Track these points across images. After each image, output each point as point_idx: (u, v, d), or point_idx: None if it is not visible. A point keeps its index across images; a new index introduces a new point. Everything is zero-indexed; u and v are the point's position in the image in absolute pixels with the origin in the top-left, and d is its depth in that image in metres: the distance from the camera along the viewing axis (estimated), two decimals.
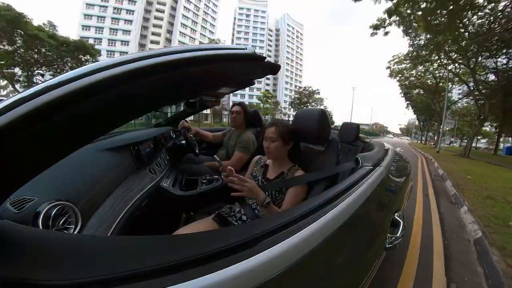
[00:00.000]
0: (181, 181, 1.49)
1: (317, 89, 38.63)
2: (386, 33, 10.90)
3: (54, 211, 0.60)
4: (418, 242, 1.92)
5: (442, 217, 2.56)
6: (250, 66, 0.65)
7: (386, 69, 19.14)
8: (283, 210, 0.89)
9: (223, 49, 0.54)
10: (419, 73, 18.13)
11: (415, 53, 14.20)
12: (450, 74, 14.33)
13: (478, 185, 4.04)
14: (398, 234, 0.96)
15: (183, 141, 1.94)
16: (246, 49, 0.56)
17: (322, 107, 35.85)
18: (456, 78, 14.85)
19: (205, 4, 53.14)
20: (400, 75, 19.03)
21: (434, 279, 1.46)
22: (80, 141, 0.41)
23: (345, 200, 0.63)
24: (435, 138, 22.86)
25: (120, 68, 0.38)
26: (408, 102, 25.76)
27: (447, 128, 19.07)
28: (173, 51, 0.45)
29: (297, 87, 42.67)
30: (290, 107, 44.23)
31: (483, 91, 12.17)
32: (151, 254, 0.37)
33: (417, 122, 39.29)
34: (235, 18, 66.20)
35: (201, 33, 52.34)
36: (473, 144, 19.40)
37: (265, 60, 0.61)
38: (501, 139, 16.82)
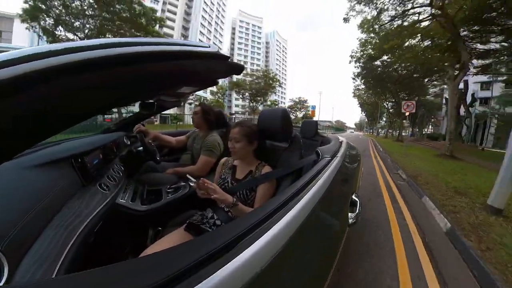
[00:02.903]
0: (142, 193, 1.27)
1: (306, 99, 53.28)
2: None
3: None
4: (373, 157, 7.86)
5: (379, 154, 9.30)
6: (213, 65, 0.63)
7: (353, 96, 34.63)
8: (256, 207, 0.91)
9: (185, 45, 0.51)
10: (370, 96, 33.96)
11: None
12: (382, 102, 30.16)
13: (391, 147, 13.63)
14: (357, 211, 1.10)
15: (140, 148, 1.57)
16: (210, 47, 0.54)
17: (308, 111, 51.16)
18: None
19: (216, 15, 61.38)
20: (358, 96, 34.81)
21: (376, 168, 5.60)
22: None
23: (311, 189, 0.68)
24: (377, 131, 45.11)
25: (50, 60, 0.30)
26: (361, 108, 45.99)
27: (380, 126, 37.03)
28: (125, 43, 0.40)
29: (292, 98, 56.26)
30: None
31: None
32: (113, 287, 0.30)
33: (366, 120, 63.01)
34: (233, 28, 75.95)
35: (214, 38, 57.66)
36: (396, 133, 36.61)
37: (229, 60, 0.59)
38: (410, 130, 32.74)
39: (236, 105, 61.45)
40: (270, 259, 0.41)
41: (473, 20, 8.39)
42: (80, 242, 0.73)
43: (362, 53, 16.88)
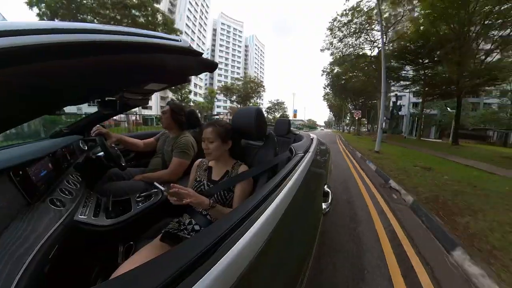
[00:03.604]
0: (106, 206, 1.08)
1: (284, 101, 59.83)
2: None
3: None
4: (339, 144, 12.44)
5: (342, 142, 14.78)
6: (184, 61, 0.60)
7: (323, 99, 41.73)
8: (235, 207, 0.90)
9: (152, 36, 0.46)
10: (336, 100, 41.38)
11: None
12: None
13: (351, 139, 19.06)
14: (329, 201, 1.20)
15: (101, 153, 1.35)
16: (181, 41, 0.51)
17: (285, 112, 57.73)
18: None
19: (200, 16, 62.83)
20: (327, 99, 42.13)
21: (340, 149, 10.07)
22: None
23: (287, 185, 0.71)
24: (343, 127, 52.90)
25: None
26: (329, 109, 54.86)
27: (345, 124, 45.40)
28: (82, 29, 0.34)
29: (271, 100, 62.26)
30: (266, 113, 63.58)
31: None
32: None
33: (334, 119, 73.99)
34: (214, 30, 78.13)
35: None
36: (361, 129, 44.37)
37: (202, 56, 0.57)
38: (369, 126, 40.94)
39: (218, 106, 64.47)
40: (253, 257, 0.41)
41: (397, 58, 14.76)
42: (32, 274, 0.57)
43: (330, 70, 22.93)
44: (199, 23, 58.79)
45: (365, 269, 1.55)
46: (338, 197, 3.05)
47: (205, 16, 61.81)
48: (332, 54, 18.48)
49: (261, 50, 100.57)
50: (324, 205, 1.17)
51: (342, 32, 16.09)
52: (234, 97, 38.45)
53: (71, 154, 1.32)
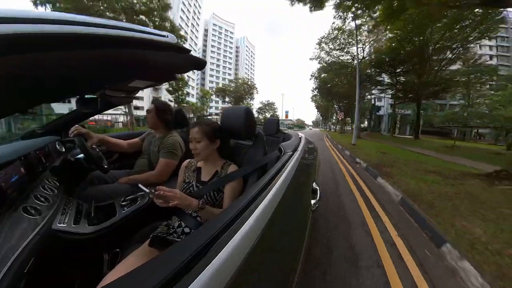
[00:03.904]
0: (88, 212, 1.01)
1: (274, 102, 62.40)
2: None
3: None
4: (326, 141, 14.54)
5: (328, 138, 17.07)
6: (172, 58, 0.57)
7: (311, 101, 44.65)
8: (225, 207, 0.89)
9: (138, 31, 0.43)
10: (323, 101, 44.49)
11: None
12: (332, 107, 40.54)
13: (336, 136, 20.64)
14: (318, 198, 1.22)
15: (81, 155, 1.24)
16: (168, 37, 0.49)
17: (275, 112, 60.42)
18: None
19: (192, 17, 63.45)
20: (315, 101, 45.15)
21: (327, 144, 11.52)
22: None
23: (277, 183, 0.71)
24: (330, 127, 56.60)
25: None
26: (317, 110, 58.47)
27: (331, 123, 48.66)
28: (57, 19, 0.32)
29: (262, 101, 64.47)
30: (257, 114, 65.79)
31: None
32: None
33: (321, 118, 79.13)
34: (206, 30, 79.02)
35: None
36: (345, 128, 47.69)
37: (190, 54, 0.54)
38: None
39: (210, 107, 65.92)
40: (246, 256, 0.41)
41: (374, 67, 17.63)
42: None
43: (318, 75, 25.65)
44: (192, 23, 59.61)
45: (339, 183, 3.86)
46: (325, 166, 5.33)
47: (197, 17, 62.55)
48: (319, 62, 21.14)
49: (251, 52, 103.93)
50: (312, 202, 1.20)
51: (328, 46, 18.75)
52: (228, 98, 40.29)
53: (46, 156, 1.21)
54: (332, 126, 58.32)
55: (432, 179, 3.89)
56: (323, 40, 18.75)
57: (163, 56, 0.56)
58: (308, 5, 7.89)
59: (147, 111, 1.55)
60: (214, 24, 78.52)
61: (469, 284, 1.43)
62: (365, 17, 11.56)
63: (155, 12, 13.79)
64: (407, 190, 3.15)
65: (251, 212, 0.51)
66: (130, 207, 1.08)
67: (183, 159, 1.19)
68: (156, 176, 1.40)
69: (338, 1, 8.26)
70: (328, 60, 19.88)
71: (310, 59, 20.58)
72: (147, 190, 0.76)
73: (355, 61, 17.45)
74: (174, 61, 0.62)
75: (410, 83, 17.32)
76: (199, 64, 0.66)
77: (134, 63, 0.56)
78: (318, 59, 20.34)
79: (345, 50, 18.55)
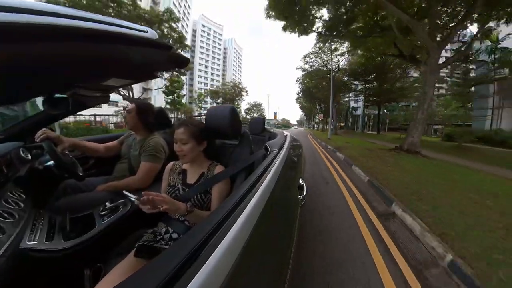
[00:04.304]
0: (62, 225, 0.93)
1: (261, 102, 65.89)
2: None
3: None
4: (309, 136, 18.26)
5: (312, 137, 17.75)
6: (152, 55, 0.54)
7: (296, 102, 48.54)
8: (214, 209, 0.86)
9: (114, 25, 0.40)
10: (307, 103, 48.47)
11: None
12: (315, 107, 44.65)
13: (317, 133, 24.40)
14: (304, 193, 1.27)
15: (51, 162, 1.15)
16: (148, 32, 0.46)
17: (262, 113, 63.74)
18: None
19: (182, 17, 63.78)
20: (300, 102, 49.20)
21: (309, 138, 15.64)
22: None
23: (265, 182, 0.71)
24: (313, 126, 60.45)
25: None
26: (301, 110, 62.69)
27: (315, 122, 53.23)
28: (22, 8, 0.29)
29: (250, 102, 66.57)
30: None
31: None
32: None
33: (305, 118, 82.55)
34: (194, 31, 79.79)
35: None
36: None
37: (172, 51, 0.52)
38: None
39: (199, 107, 67.48)
40: (238, 257, 0.41)
41: (349, 75, 21.61)
42: None
43: (302, 80, 29.36)
44: (181, 24, 60.66)
45: (315, 155, 7.28)
46: (308, 150, 8.65)
47: (187, 18, 63.59)
48: (303, 71, 24.75)
49: (239, 53, 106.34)
50: (300, 197, 1.22)
51: (311, 58, 22.52)
52: (220, 100, 42.75)
53: (8, 165, 1.05)
54: (315, 125, 63.08)
55: (363, 152, 7.35)
56: (307, 55, 22.49)
57: (142, 53, 0.51)
58: (297, 33, 10.98)
59: (127, 111, 1.42)
60: (203, 25, 79.54)
61: (356, 170, 4.76)
62: (338, 44, 15.15)
63: (166, 24, 15.24)
64: (347, 155, 6.55)
65: (240, 212, 0.50)
66: (111, 216, 0.99)
67: (166, 162, 1.12)
68: (138, 182, 1.27)
69: (318, 34, 11.53)
70: (311, 71, 23.58)
71: (296, 68, 24.10)
72: (133, 196, 0.70)
73: (334, 72, 21.77)
74: (154, 58, 0.57)
75: (374, 89, 21.54)
76: (182, 62, 0.61)
77: (110, 59, 0.51)
78: (303, 70, 23.97)
79: (324, 63, 22.30)
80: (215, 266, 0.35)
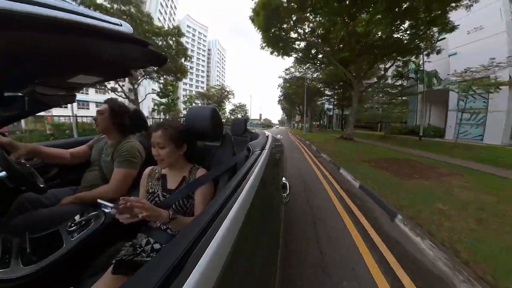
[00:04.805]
0: (21, 248, 0.80)
1: (245, 104, 70.04)
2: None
3: None
4: (289, 134, 22.18)
5: (292, 134, 22.61)
6: (126, 51, 0.50)
7: (278, 103, 53.75)
8: (197, 214, 0.83)
9: (84, 15, 0.36)
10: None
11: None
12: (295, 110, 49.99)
13: (296, 131, 27.16)
14: (288, 192, 1.32)
15: (2, 173, 0.90)
16: (122, 25, 0.42)
17: (246, 114, 67.84)
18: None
19: (168, 18, 64.21)
20: (281, 104, 54.40)
21: (289, 135, 19.58)
22: None
23: (248, 182, 0.71)
24: (294, 125, 62.37)
25: None
26: (282, 111, 69.53)
27: (295, 122, 59.04)
28: None
29: (234, 103, 67.00)
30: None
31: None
32: None
33: (286, 118, 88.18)
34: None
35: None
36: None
37: (149, 47, 0.49)
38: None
39: (184, 108, 69.08)
40: (225, 261, 0.40)
41: (322, 83, 26.96)
42: None
43: (283, 87, 34.33)
44: (167, 24, 61.93)
45: (293, 144, 11.92)
46: (288, 142, 13.16)
47: (173, 18, 64.76)
48: (284, 80, 29.80)
49: (222, 55, 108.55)
50: (284, 196, 1.25)
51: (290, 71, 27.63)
52: (207, 102, 46.01)
53: None
54: (295, 124, 69.04)
55: (321, 140, 12.04)
56: (287, 69, 27.61)
57: (115, 48, 0.47)
58: (281, 56, 15.35)
59: (99, 112, 1.27)
60: (188, 26, 79.65)
61: (312, 146, 9.44)
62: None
63: (173, 38, 17.67)
64: (311, 142, 11.17)
65: (225, 215, 0.49)
66: (82, 231, 0.88)
67: (143, 168, 1.05)
68: (112, 191, 1.15)
69: (295, 59, 16.20)
70: (290, 79, 28.66)
71: (279, 77, 29.04)
72: (109, 205, 0.65)
73: (309, 82, 27.07)
74: (129, 54, 0.53)
75: (339, 95, 27.25)
76: (159, 60, 0.58)
77: (77, 54, 0.46)
78: (284, 79, 28.95)
79: (301, 75, 27.45)
80: (203, 273, 0.33)
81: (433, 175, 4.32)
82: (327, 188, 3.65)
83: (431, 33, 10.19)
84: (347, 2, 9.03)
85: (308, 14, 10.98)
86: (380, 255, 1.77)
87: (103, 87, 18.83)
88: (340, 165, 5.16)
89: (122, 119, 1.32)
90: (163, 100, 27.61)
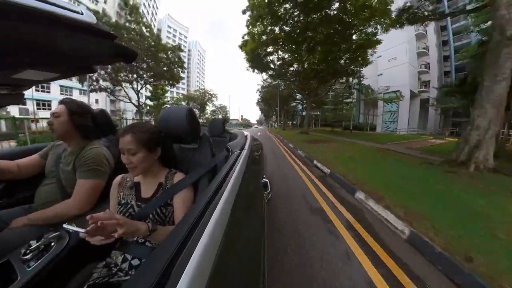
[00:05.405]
0: None
1: (226, 105, 73.83)
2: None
3: None
4: (267, 132, 27.42)
5: (269, 131, 28.37)
6: (90, 44, 0.44)
7: (256, 104, 59.09)
8: (178, 221, 0.69)
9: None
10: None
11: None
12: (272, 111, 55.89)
13: (273, 130, 32.13)
14: (269, 190, 1.37)
15: None
16: (83, 14, 0.37)
17: (227, 114, 71.47)
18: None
19: (150, 18, 63.29)
20: (260, 105, 59.73)
21: (267, 132, 25.37)
22: None
23: (229, 183, 0.71)
24: (271, 124, 69.77)
25: None
26: (261, 112, 74.37)
27: (272, 121, 65.13)
28: None
29: (215, 104, 66.71)
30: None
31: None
32: None
33: (264, 118, 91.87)
34: (159, 30, 79.20)
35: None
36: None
37: (115, 41, 0.44)
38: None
39: None
40: (212, 267, 0.39)
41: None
42: None
43: (261, 92, 39.72)
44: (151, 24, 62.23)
45: (270, 138, 17.37)
46: (265, 137, 18.36)
47: (154, 18, 65.11)
48: (262, 86, 35.29)
49: (202, 56, 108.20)
50: (265, 194, 1.28)
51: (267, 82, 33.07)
52: (193, 104, 49.20)
53: None
54: (272, 123, 75.01)
55: (288, 134, 17.62)
56: (265, 80, 33.11)
57: (75, 40, 0.40)
58: (259, 73, 20.37)
59: (54, 114, 1.05)
60: (169, 26, 78.81)
61: (279, 136, 14.89)
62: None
63: (173, 52, 20.06)
64: (281, 135, 16.73)
65: (208, 218, 0.47)
66: (41, 258, 0.71)
67: (111, 177, 0.94)
68: (76, 206, 0.96)
69: (269, 75, 21.36)
70: (267, 86, 34.24)
71: (258, 85, 34.47)
72: (80, 230, 0.53)
73: (282, 89, 32.59)
74: (92, 48, 0.46)
75: (306, 100, 33.65)
76: (128, 56, 0.52)
77: (25, 44, 0.37)
78: (262, 87, 34.43)
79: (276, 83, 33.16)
80: (189, 284, 0.32)
81: (328, 144, 9.76)
82: (281, 149, 8.90)
83: (357, 63, 16.24)
84: (301, 46, 14.48)
85: (278, 47, 16.23)
86: (293, 158, 6.94)
87: (110, 92, 20.27)
88: (289, 142, 10.57)
89: (84, 121, 1.10)
90: (152, 103, 28.66)
